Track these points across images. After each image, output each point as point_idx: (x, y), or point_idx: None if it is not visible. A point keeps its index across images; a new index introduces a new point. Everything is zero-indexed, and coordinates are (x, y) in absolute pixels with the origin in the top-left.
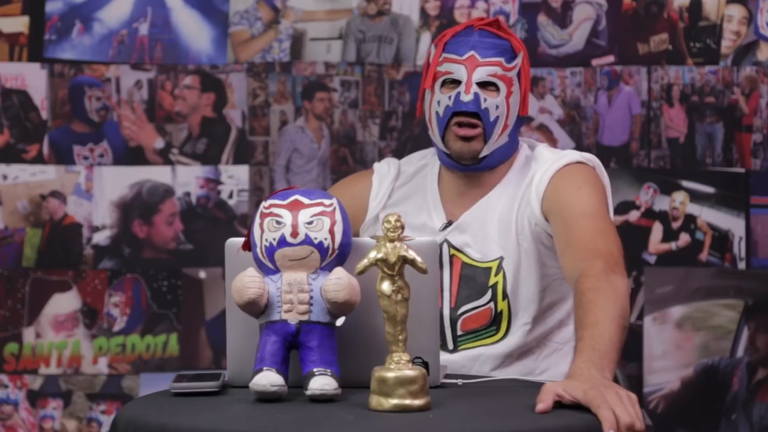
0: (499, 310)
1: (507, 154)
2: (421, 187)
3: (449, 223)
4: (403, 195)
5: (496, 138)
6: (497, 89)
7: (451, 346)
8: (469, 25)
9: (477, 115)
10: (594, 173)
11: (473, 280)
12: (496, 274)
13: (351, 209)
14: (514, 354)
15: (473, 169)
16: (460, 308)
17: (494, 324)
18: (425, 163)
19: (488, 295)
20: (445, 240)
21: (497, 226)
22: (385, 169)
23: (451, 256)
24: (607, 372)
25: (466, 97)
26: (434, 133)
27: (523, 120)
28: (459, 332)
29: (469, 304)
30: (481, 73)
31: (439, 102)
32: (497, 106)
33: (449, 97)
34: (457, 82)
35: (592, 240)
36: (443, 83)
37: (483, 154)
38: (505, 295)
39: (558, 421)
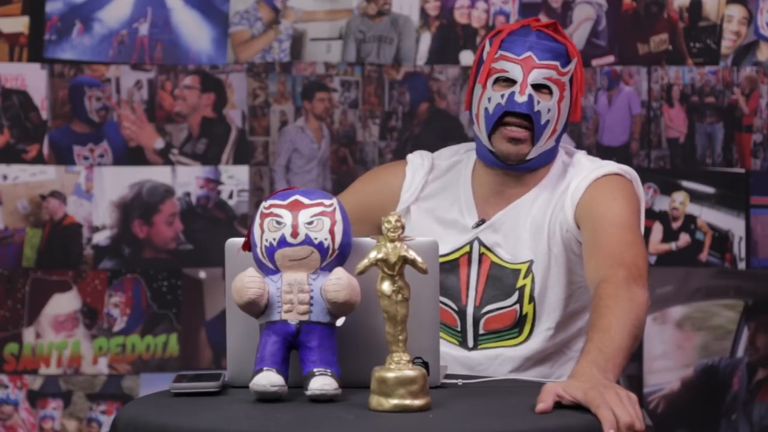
0: (524, 313)
1: (550, 157)
2: (455, 183)
3: (482, 221)
4: (436, 189)
5: (544, 141)
6: (550, 93)
7: (471, 344)
8: (525, 24)
9: (528, 117)
10: (631, 186)
11: (501, 281)
12: (525, 277)
13: (380, 199)
14: (533, 358)
15: (515, 169)
16: (484, 307)
17: (517, 326)
18: (458, 159)
19: (515, 297)
20: (477, 238)
21: (530, 228)
22: (419, 162)
23: (481, 255)
24: (611, 375)
25: (521, 98)
26: (481, 130)
27: (567, 125)
28: (481, 331)
29: (494, 304)
30: (536, 75)
31: (490, 99)
32: (549, 110)
33: (502, 96)
34: (511, 81)
35: (618, 249)
36: (496, 81)
37: (530, 156)
38: (531, 299)
39: (558, 421)
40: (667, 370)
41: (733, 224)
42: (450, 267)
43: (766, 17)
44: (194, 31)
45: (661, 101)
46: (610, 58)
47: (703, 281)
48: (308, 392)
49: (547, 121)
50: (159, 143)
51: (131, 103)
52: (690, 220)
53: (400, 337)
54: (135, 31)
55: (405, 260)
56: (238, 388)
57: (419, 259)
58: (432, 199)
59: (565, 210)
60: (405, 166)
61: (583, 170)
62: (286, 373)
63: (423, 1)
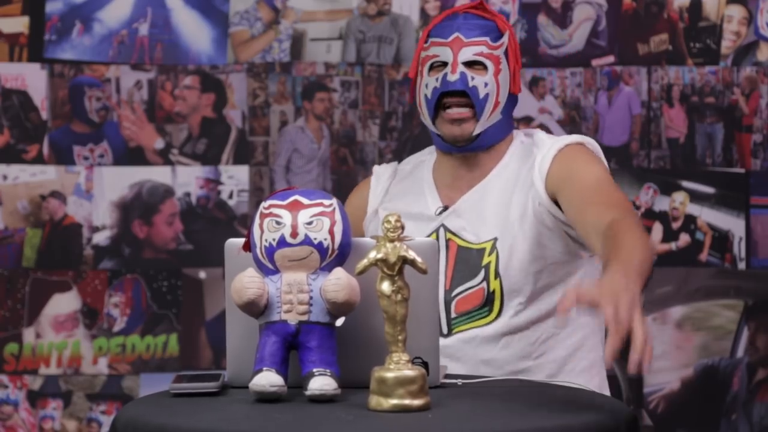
0: (491, 290)
1: (502, 133)
2: (418, 180)
3: (445, 208)
4: (400, 190)
5: (488, 115)
6: (485, 68)
7: (445, 330)
8: (454, 12)
9: (465, 95)
10: (595, 154)
11: (467, 262)
12: (490, 254)
13: (357, 216)
14: (508, 334)
15: (469, 150)
16: (453, 290)
17: (487, 305)
18: (422, 159)
19: (481, 275)
20: (442, 225)
21: (494, 208)
22: (382, 170)
23: (447, 240)
24: (633, 281)
25: (453, 77)
26: (425, 117)
27: (515, 99)
28: (453, 315)
29: (462, 285)
30: (466, 53)
31: (427, 85)
32: (486, 84)
33: (436, 79)
34: (444, 64)
35: (618, 201)
36: (431, 67)
37: (476, 132)
38: (497, 275)
39: (558, 421)
40: (667, 370)
41: (733, 224)
42: None
43: (766, 17)
44: (194, 31)
45: (661, 101)
46: (610, 58)
47: (703, 281)
48: (308, 392)
49: (486, 95)
50: (159, 143)
51: (131, 103)
52: (690, 220)
53: (400, 337)
54: (135, 31)
55: (404, 260)
56: (237, 389)
57: (419, 259)
58: (396, 200)
59: (536, 184)
60: (370, 178)
61: (545, 145)
62: (286, 373)
63: (423, 1)
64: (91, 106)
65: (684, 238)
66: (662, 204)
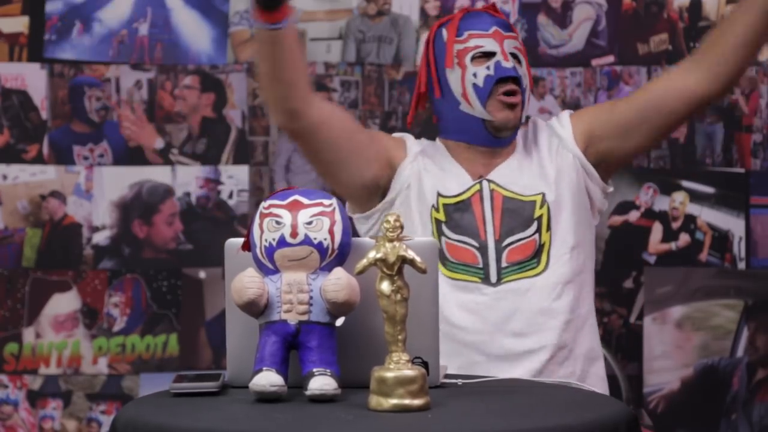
0: (542, 242)
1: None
2: (440, 160)
3: (480, 177)
4: (429, 162)
5: (526, 105)
6: (519, 61)
7: (494, 278)
8: (468, 11)
9: (517, 80)
10: None
11: (517, 212)
12: (541, 207)
13: (391, 146)
14: (560, 283)
15: (503, 143)
16: (505, 240)
17: (536, 256)
18: (426, 144)
19: (534, 227)
20: (484, 178)
21: (530, 173)
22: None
23: (492, 191)
24: None
25: (507, 64)
26: (473, 106)
27: None
28: (504, 264)
29: (514, 235)
30: (509, 45)
31: (475, 74)
32: (524, 75)
33: (487, 67)
34: (489, 54)
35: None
36: (474, 57)
37: (522, 121)
38: (548, 228)
39: (558, 421)
40: (667, 370)
41: (733, 224)
42: (464, 206)
43: None
44: (194, 31)
45: None
46: (610, 58)
47: (703, 281)
48: (308, 392)
49: (526, 86)
50: (159, 143)
51: (131, 103)
52: (690, 220)
53: (400, 337)
54: (135, 31)
55: (404, 260)
56: (237, 388)
57: (418, 259)
58: (427, 158)
59: (565, 144)
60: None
61: (547, 121)
62: (286, 373)
63: (423, 1)
64: (91, 105)
65: (684, 238)
66: (662, 204)
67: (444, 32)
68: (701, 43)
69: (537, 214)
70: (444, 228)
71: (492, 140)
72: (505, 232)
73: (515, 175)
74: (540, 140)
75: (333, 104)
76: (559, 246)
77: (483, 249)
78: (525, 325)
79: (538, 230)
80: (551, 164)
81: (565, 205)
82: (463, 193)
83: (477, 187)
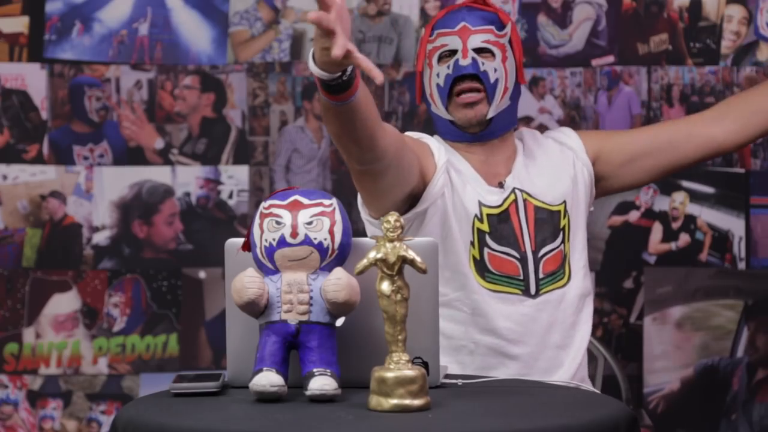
0: (566, 252)
1: (511, 122)
2: (456, 165)
3: (500, 184)
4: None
5: (499, 99)
6: (492, 54)
7: (534, 290)
8: (455, 7)
9: (477, 79)
10: None
11: (548, 222)
12: (564, 217)
13: (419, 150)
14: (583, 296)
15: (484, 136)
16: (540, 250)
17: (562, 267)
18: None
19: (560, 238)
20: (515, 188)
21: (546, 179)
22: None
23: (525, 201)
24: None
25: (465, 62)
26: (437, 106)
27: (520, 90)
28: (541, 275)
29: (547, 246)
30: (475, 40)
31: (438, 74)
32: (495, 69)
33: (448, 66)
34: (453, 52)
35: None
36: (440, 57)
37: (489, 115)
38: (568, 238)
39: (558, 421)
40: (667, 370)
41: (733, 224)
42: (504, 216)
43: (766, 17)
44: (194, 31)
45: (661, 101)
46: (610, 58)
47: (703, 281)
48: (308, 392)
49: (497, 80)
50: (159, 143)
51: (131, 103)
52: (690, 220)
53: (400, 337)
54: (135, 31)
55: (404, 260)
56: (237, 388)
57: (418, 259)
58: (455, 163)
59: (578, 155)
60: (425, 142)
61: (550, 132)
62: (286, 373)
63: (423, 1)
64: (91, 105)
65: (684, 238)
66: (662, 204)
67: (422, 33)
68: (732, 96)
69: (562, 224)
70: (488, 239)
71: (468, 137)
72: (539, 242)
73: (531, 178)
74: (547, 148)
75: (392, 130)
76: (578, 258)
77: (524, 260)
78: (563, 337)
79: (563, 240)
80: (569, 171)
81: (581, 216)
82: (504, 203)
83: (513, 197)
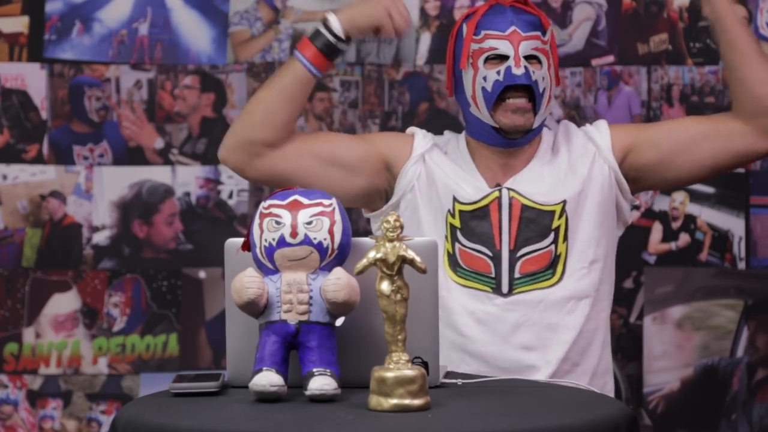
0: (558, 252)
1: (542, 126)
2: (457, 159)
3: (497, 185)
4: (441, 154)
5: (543, 109)
6: (540, 62)
7: (506, 289)
8: (495, 3)
9: (528, 88)
10: None
11: (535, 222)
12: (560, 217)
13: (394, 147)
14: (573, 297)
15: (523, 142)
16: (519, 250)
17: (551, 267)
18: (448, 138)
19: (550, 238)
20: (503, 186)
21: (554, 179)
22: (418, 130)
23: (511, 198)
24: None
25: (518, 71)
26: (480, 110)
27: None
28: (516, 275)
29: (530, 246)
30: (526, 47)
31: (485, 78)
32: (543, 78)
33: (498, 72)
34: (502, 57)
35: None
36: (487, 59)
37: (535, 125)
38: (565, 238)
39: (558, 421)
40: (667, 370)
41: (733, 224)
42: (481, 214)
43: (766, 17)
44: (194, 31)
45: (661, 101)
46: (610, 58)
47: (703, 281)
48: (308, 392)
49: (544, 89)
50: (159, 143)
51: (131, 103)
52: (690, 220)
53: (399, 337)
54: (135, 31)
55: (404, 260)
56: (237, 388)
57: (418, 259)
58: (442, 157)
59: (602, 151)
60: (409, 135)
61: (581, 127)
62: (286, 373)
63: (423, 1)
64: (90, 105)
65: (684, 238)
66: (662, 204)
67: (464, 28)
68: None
69: (555, 224)
70: (459, 234)
71: (505, 142)
72: (521, 241)
73: (537, 181)
74: (573, 144)
75: (313, 137)
76: (578, 258)
77: (496, 258)
78: (533, 339)
79: (555, 241)
80: (583, 170)
81: (588, 215)
82: (482, 200)
83: (496, 194)
